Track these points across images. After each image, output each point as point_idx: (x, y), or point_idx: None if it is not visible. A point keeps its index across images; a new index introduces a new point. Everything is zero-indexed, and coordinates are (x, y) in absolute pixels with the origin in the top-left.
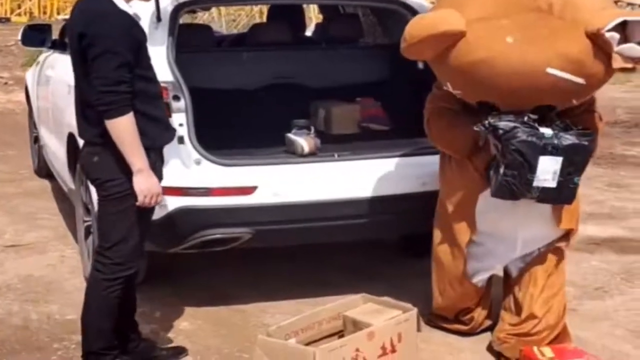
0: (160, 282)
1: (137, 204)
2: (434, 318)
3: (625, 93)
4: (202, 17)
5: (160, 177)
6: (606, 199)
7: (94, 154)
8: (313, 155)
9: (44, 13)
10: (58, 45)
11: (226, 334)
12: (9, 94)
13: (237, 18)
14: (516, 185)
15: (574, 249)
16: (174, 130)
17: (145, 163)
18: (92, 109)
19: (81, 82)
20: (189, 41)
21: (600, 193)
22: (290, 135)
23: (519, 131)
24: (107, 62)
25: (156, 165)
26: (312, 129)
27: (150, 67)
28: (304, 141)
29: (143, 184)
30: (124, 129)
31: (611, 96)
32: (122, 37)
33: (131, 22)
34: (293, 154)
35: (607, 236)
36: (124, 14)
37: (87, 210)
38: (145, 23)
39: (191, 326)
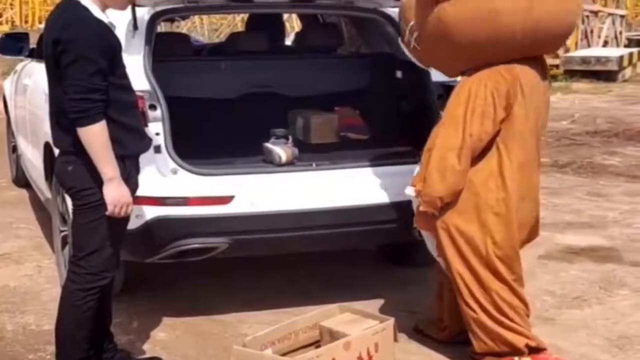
0: (138, 292)
1: (107, 213)
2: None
3: (606, 103)
4: (184, 26)
5: (136, 186)
6: (585, 208)
7: (68, 162)
8: (291, 164)
9: (26, 22)
10: (36, 54)
11: (203, 344)
12: None
13: (220, 27)
14: None
15: (552, 258)
16: (149, 139)
17: (116, 172)
18: (66, 116)
19: (55, 89)
20: (166, 50)
21: (579, 202)
22: (268, 145)
23: None
24: (80, 68)
25: (131, 174)
26: (290, 138)
27: (125, 76)
28: (281, 150)
29: (113, 193)
30: (95, 137)
31: (591, 106)
32: (96, 44)
33: (106, 30)
34: (271, 163)
35: (586, 245)
36: (99, 21)
37: (64, 220)
38: (121, 31)
39: (168, 337)
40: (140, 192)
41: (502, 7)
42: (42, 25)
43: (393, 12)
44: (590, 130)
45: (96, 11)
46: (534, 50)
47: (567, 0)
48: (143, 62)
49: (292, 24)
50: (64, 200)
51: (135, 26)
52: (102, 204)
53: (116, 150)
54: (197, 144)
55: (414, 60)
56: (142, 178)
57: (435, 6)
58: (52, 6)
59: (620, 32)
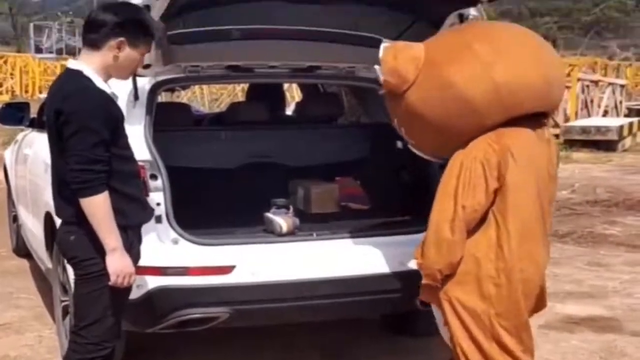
0: None
1: (110, 283)
2: None
3: (606, 172)
4: (184, 96)
5: (138, 256)
6: (586, 278)
7: (70, 232)
8: (292, 234)
9: (26, 92)
10: (36, 124)
11: None
12: None
13: (220, 97)
14: None
15: (553, 328)
16: (151, 210)
17: (119, 242)
18: (67, 187)
19: (57, 160)
20: (167, 120)
21: (579, 272)
22: (269, 215)
23: None
24: (83, 139)
25: (133, 244)
26: (291, 208)
27: (127, 146)
28: (282, 220)
29: (116, 263)
30: (98, 207)
31: (591, 175)
32: (98, 115)
33: (108, 100)
34: (272, 233)
35: (587, 315)
36: (101, 92)
37: (65, 290)
38: (123, 101)
39: None
40: (141, 262)
41: (457, 78)
42: (43, 95)
43: None
44: (591, 200)
45: (98, 81)
46: (516, 111)
47: (535, 62)
48: (144, 131)
49: (292, 94)
50: (64, 270)
51: (136, 96)
52: (104, 274)
53: (118, 220)
54: (198, 214)
55: (419, 154)
56: (143, 248)
57: (401, 98)
58: (53, 76)
59: (621, 102)
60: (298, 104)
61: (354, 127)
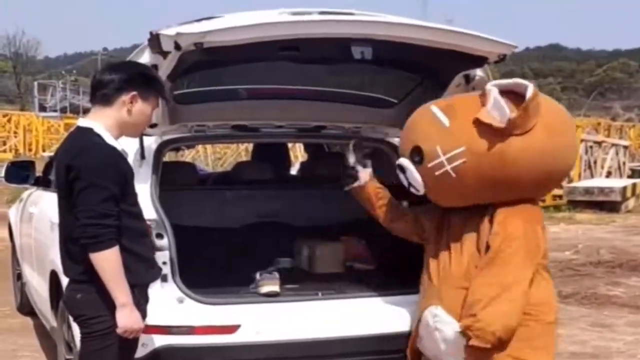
0: None
1: (118, 331)
2: None
3: (609, 233)
4: (188, 155)
5: (144, 315)
6: (589, 339)
7: (77, 291)
8: (276, 295)
9: (30, 150)
10: (41, 182)
11: None
12: None
13: (223, 156)
14: None
15: None
16: (159, 269)
17: (129, 298)
18: (76, 245)
19: (66, 217)
20: (172, 179)
21: (583, 333)
22: (255, 275)
23: None
24: (92, 194)
25: (140, 303)
26: (275, 273)
27: (136, 204)
28: (264, 282)
29: (126, 319)
30: (108, 262)
31: (594, 236)
32: (108, 170)
33: (118, 157)
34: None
35: None
36: (112, 148)
37: (70, 348)
38: (130, 160)
39: None
40: (147, 321)
41: (566, 143)
42: (47, 154)
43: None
44: (594, 261)
45: (109, 138)
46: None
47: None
48: (150, 190)
49: (295, 153)
50: (69, 328)
51: (142, 155)
52: (110, 332)
53: (126, 279)
54: (203, 273)
55: (415, 183)
56: (148, 306)
57: (503, 138)
58: (57, 134)
59: (624, 163)
60: (303, 164)
61: None
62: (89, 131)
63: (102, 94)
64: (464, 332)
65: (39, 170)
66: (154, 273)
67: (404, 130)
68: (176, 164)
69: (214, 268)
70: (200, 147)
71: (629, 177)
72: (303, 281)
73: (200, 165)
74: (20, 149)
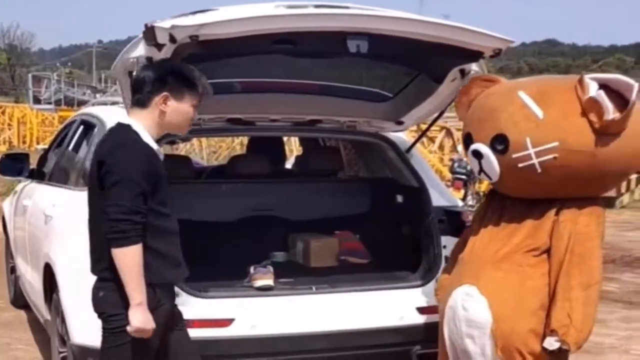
0: None
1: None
2: None
3: None
4: (183, 148)
5: (169, 314)
6: None
7: (100, 289)
8: (270, 289)
9: (24, 142)
10: (35, 175)
11: None
12: None
13: (218, 150)
14: None
15: None
16: (185, 269)
17: (144, 298)
18: (102, 241)
19: (96, 212)
20: (167, 172)
21: None
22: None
23: None
24: (123, 190)
25: (161, 302)
26: (270, 267)
27: (165, 203)
28: (257, 276)
29: (138, 319)
30: (130, 259)
31: None
32: (140, 167)
33: (152, 155)
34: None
35: None
36: (146, 145)
37: (63, 342)
38: None
39: None
40: None
41: None
42: (41, 146)
43: (395, 136)
44: None
45: (145, 136)
46: None
47: None
48: None
49: (291, 147)
50: (63, 321)
51: None
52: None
53: (146, 276)
54: (198, 267)
55: (491, 172)
56: None
57: (600, 137)
58: (51, 127)
59: None
60: (298, 158)
61: (353, 181)
62: (127, 128)
63: (137, 97)
64: (562, 342)
65: (33, 162)
66: (178, 272)
67: (477, 111)
68: (171, 157)
69: (208, 262)
70: (195, 141)
71: None
72: (297, 275)
73: (195, 159)
74: (14, 142)
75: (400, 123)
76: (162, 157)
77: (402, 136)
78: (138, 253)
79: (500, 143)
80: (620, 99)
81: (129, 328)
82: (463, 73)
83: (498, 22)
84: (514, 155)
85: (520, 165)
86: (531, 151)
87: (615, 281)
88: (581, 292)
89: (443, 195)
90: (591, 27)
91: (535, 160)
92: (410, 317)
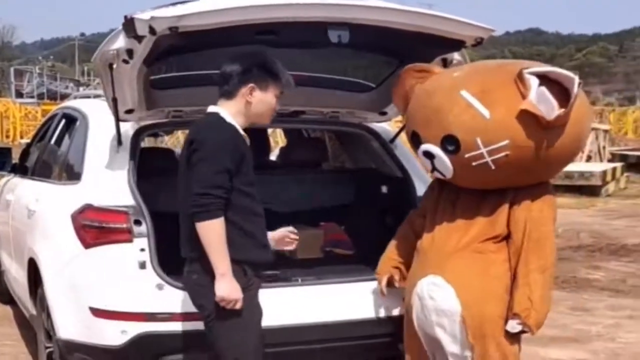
0: None
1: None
2: None
3: (589, 217)
4: (168, 141)
5: (253, 291)
6: (569, 323)
7: (191, 272)
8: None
9: (7, 137)
10: (18, 170)
11: None
12: None
13: None
14: None
15: None
16: (269, 251)
17: (229, 269)
18: (191, 220)
19: (185, 192)
20: (151, 165)
21: (563, 317)
22: None
23: None
24: (209, 166)
25: (251, 281)
26: None
27: (251, 185)
28: None
29: (224, 288)
30: (212, 231)
31: (575, 220)
32: (226, 145)
33: (237, 135)
34: None
35: (570, 359)
36: (232, 126)
37: (49, 336)
38: (105, 147)
39: None
40: (125, 308)
41: (588, 127)
42: (24, 140)
43: (378, 127)
44: (574, 245)
45: (229, 118)
46: None
47: None
48: (127, 177)
49: (276, 139)
50: (49, 316)
51: (119, 141)
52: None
53: (232, 253)
54: (182, 260)
55: (444, 170)
56: (127, 294)
57: (547, 130)
58: (34, 121)
59: (604, 147)
60: (282, 149)
61: (338, 173)
62: (215, 114)
63: (224, 90)
64: (524, 325)
65: (15, 157)
66: (262, 253)
67: (420, 110)
68: (155, 150)
69: None
70: (179, 134)
71: (609, 161)
72: (282, 267)
73: (179, 151)
74: None
75: (383, 113)
76: (247, 142)
77: (386, 126)
78: (220, 226)
79: (450, 144)
80: (560, 88)
81: (216, 298)
82: (445, 62)
83: (482, 10)
84: (467, 155)
85: (474, 163)
86: (483, 150)
87: (602, 269)
88: (539, 275)
89: (428, 185)
90: (575, 16)
91: (488, 159)
92: (395, 307)
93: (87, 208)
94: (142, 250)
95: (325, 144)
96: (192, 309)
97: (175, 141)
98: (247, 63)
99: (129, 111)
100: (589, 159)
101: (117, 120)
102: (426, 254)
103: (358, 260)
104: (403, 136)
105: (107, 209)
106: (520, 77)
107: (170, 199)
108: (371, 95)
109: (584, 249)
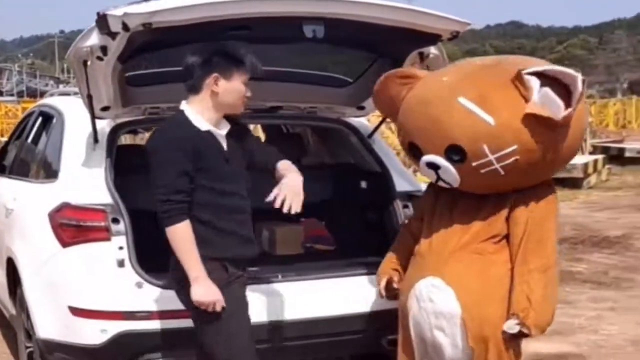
0: None
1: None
2: None
3: (572, 210)
4: (147, 138)
5: (238, 293)
6: None
7: (171, 266)
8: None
9: None
10: None
11: None
12: None
13: None
14: None
15: None
16: (253, 246)
17: (201, 271)
18: None
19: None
20: (128, 162)
21: None
22: None
23: None
24: (162, 172)
25: (233, 276)
26: None
27: (222, 180)
28: None
29: (199, 293)
30: (179, 237)
31: None
32: (178, 147)
33: (194, 134)
34: None
35: (554, 352)
36: (190, 126)
37: (29, 336)
38: (82, 144)
39: None
40: (104, 307)
41: (585, 123)
42: (4, 139)
43: (357, 122)
44: (557, 238)
45: (195, 119)
46: None
47: None
48: (104, 174)
49: (257, 134)
50: (28, 316)
51: (95, 139)
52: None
53: (209, 252)
54: (162, 257)
55: (450, 180)
56: (106, 292)
57: (553, 130)
58: (15, 119)
59: (585, 139)
60: None
61: (318, 168)
62: (178, 113)
63: (189, 85)
64: (522, 325)
65: None
66: (247, 249)
67: (416, 119)
68: (132, 147)
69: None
70: None
71: (591, 153)
72: (263, 263)
73: None
74: None
75: (361, 108)
76: (220, 138)
77: (364, 121)
78: (184, 230)
79: (455, 153)
80: (559, 85)
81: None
82: (422, 56)
83: (463, 3)
84: (474, 164)
85: (482, 171)
86: (491, 157)
87: (584, 262)
88: (540, 274)
89: (407, 180)
90: (554, 8)
91: (497, 165)
92: (377, 303)
93: (64, 206)
94: (121, 248)
95: (305, 139)
96: (172, 306)
97: None
98: (207, 53)
99: (105, 108)
100: None
101: (93, 117)
102: (424, 256)
103: (339, 256)
104: (386, 131)
105: (84, 207)
106: (519, 78)
107: (148, 197)
108: (349, 90)
109: (567, 241)
